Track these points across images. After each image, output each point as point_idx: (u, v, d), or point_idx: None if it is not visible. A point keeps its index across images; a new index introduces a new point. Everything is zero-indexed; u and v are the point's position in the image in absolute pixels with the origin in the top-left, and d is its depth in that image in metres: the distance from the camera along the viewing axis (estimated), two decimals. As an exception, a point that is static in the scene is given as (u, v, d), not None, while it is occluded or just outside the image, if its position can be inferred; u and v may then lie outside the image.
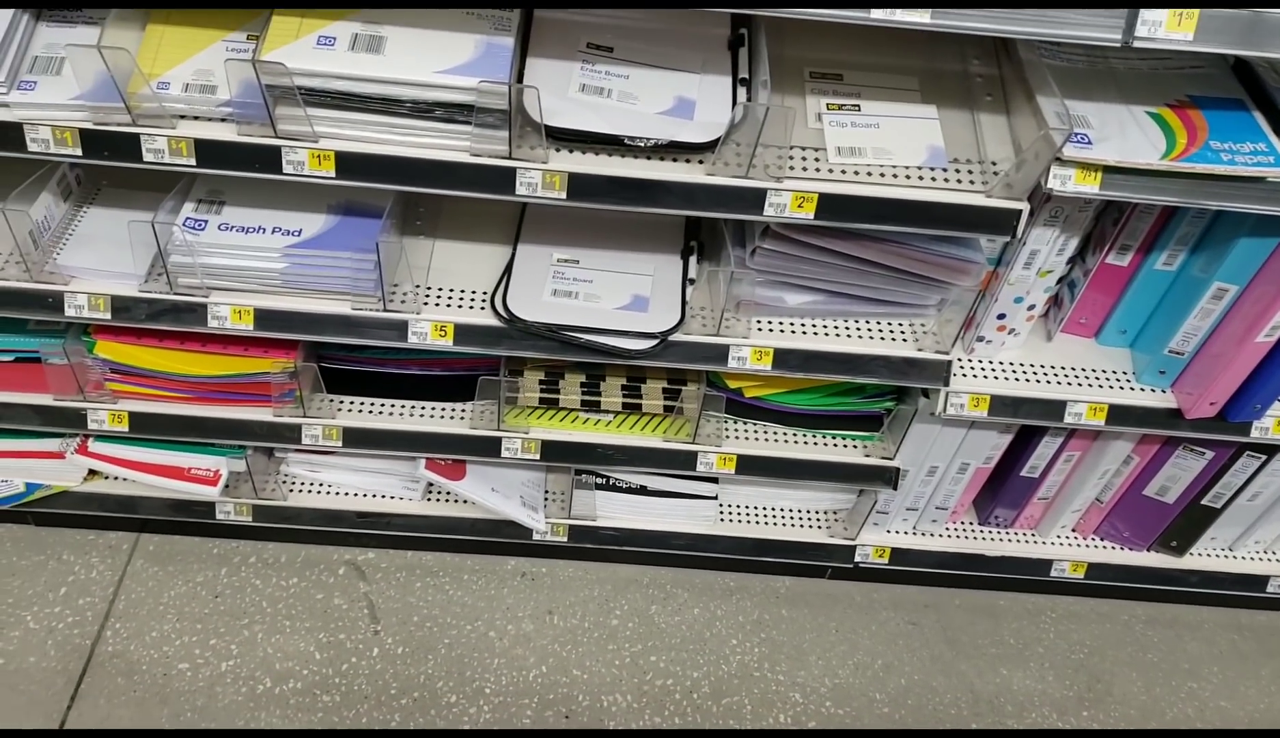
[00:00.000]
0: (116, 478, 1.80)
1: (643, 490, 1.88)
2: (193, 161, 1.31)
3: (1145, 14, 1.12)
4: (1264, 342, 1.46)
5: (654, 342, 1.50)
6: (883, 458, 1.74)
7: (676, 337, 1.51)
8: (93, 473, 1.82)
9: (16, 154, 1.31)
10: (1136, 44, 1.13)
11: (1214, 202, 1.30)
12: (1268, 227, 1.37)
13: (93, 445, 1.75)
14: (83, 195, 1.57)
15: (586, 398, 1.68)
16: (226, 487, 1.77)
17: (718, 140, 1.29)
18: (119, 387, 1.64)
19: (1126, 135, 1.28)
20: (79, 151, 1.31)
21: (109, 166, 1.33)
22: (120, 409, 1.65)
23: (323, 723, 1.74)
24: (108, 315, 1.49)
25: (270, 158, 1.31)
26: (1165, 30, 1.13)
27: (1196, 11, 1.12)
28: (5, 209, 1.39)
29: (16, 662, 1.76)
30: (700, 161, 1.32)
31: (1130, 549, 1.95)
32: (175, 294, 1.48)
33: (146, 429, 1.68)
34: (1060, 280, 1.57)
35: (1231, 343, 1.48)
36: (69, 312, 1.49)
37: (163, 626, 1.84)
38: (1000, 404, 1.60)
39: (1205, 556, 1.96)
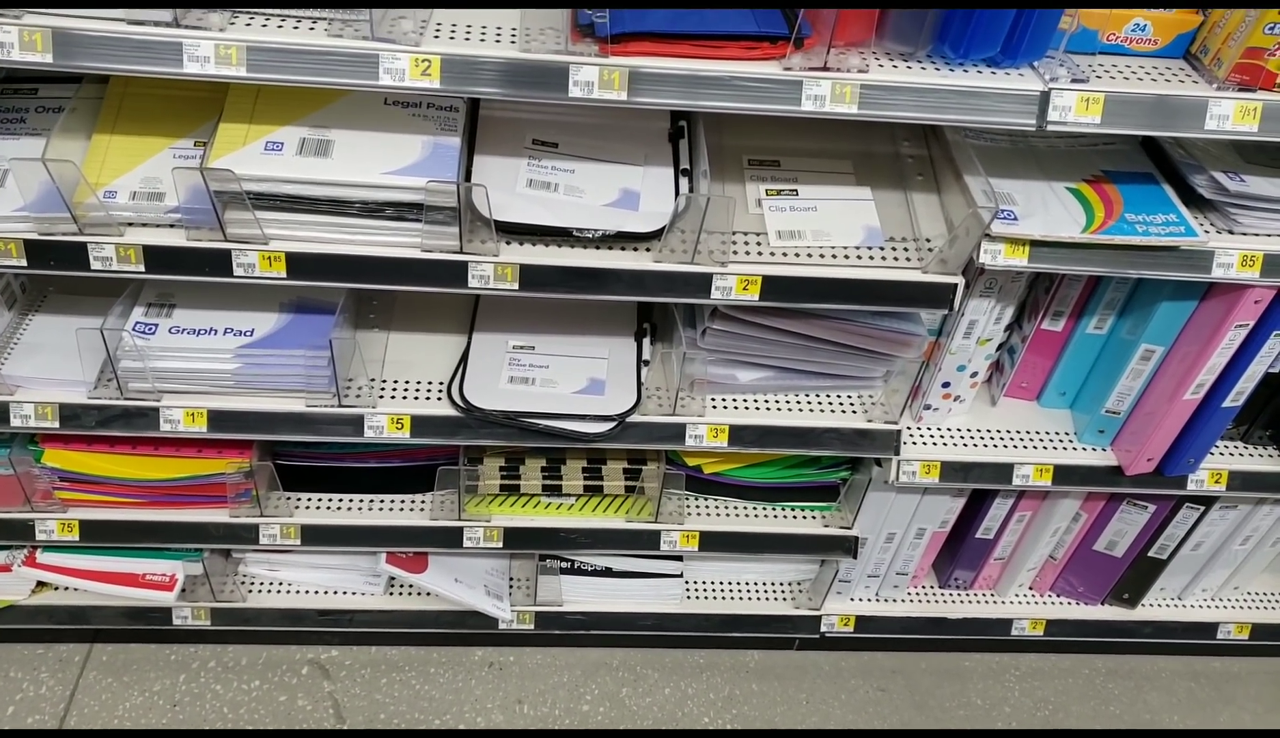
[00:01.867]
0: (66, 588, 1.75)
1: (608, 572, 1.87)
2: (142, 268, 1.32)
3: (1056, 99, 1.20)
4: (1191, 398, 1.52)
5: (612, 424, 1.52)
6: (841, 527, 1.76)
7: (634, 418, 1.53)
8: (41, 584, 1.77)
9: (-40, 267, 1.31)
10: (1050, 128, 1.21)
11: (1133, 270, 1.37)
12: (1185, 291, 1.45)
13: (41, 556, 1.70)
14: (27, 303, 1.56)
15: (548, 482, 1.68)
16: (183, 591, 1.73)
17: (663, 229, 1.34)
18: (68, 495, 1.61)
19: (1049, 210, 1.35)
20: (24, 262, 1.31)
21: (55, 275, 1.33)
22: (70, 518, 1.62)
23: (284, 834, 1.68)
24: (56, 424, 1.47)
25: (220, 261, 1.32)
26: (1075, 114, 1.21)
27: (1102, 96, 1.20)
28: (-50, 322, 1.38)
29: (-42, 789, 1.69)
30: (647, 249, 1.37)
31: (1085, 604, 1.98)
32: (126, 399, 1.47)
33: (98, 537, 1.64)
34: (1000, 347, 1.63)
35: (1162, 401, 1.54)
36: (15, 422, 1.47)
37: (115, 740, 1.77)
38: (951, 470, 1.64)
39: (1157, 606, 2.00)
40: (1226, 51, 1.21)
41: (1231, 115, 1.22)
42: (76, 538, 1.64)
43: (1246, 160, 1.42)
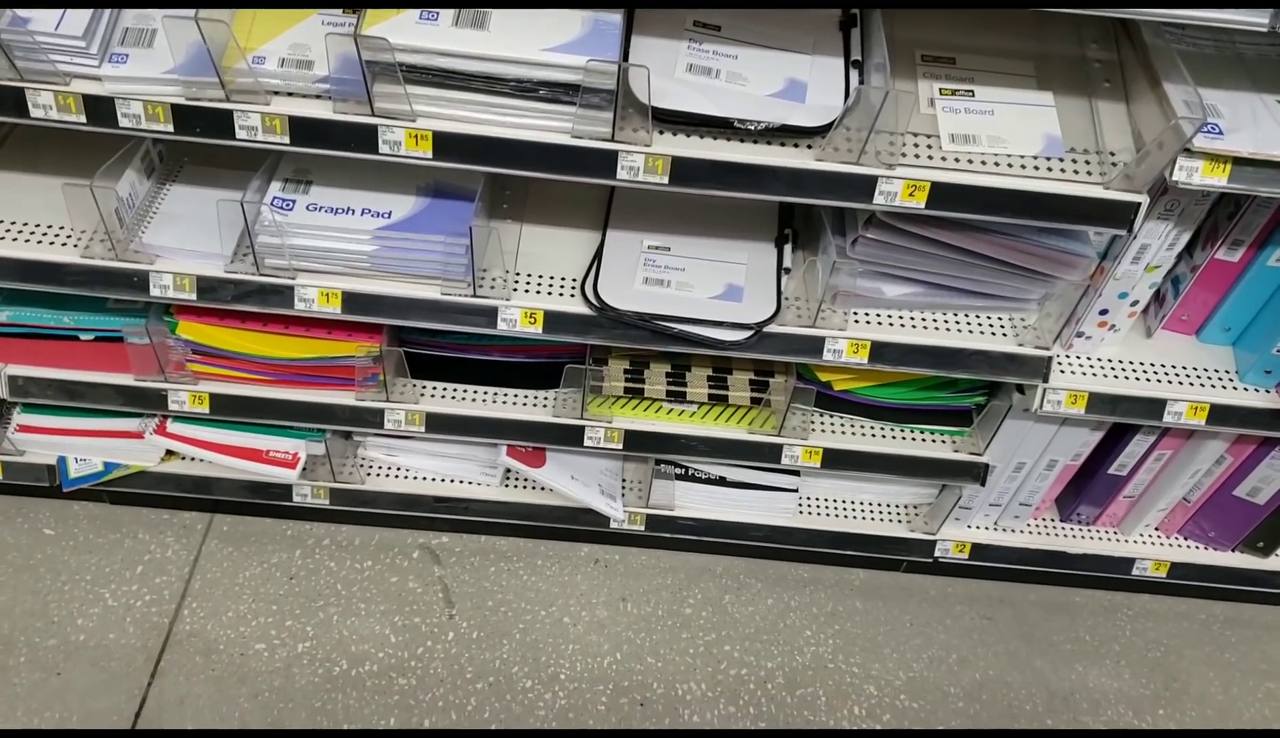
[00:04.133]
0: (193, 459, 1.79)
1: (722, 481, 1.85)
2: (286, 140, 1.28)
3: (1297, -2, 1.06)
4: (1385, 341, 1.40)
5: (749, 333, 1.46)
6: (971, 454, 1.70)
7: (772, 328, 1.47)
8: (170, 453, 1.81)
9: (107, 129, 1.28)
10: (1290, 30, 1.07)
11: (1350, 196, 1.24)
12: (1398, 223, 1.31)
13: (171, 426, 1.74)
14: (165, 172, 1.55)
15: (672, 388, 1.64)
16: (304, 469, 1.75)
17: (829, 125, 1.25)
18: (200, 368, 1.62)
19: (1260, 125, 1.22)
20: (170, 127, 1.28)
21: (196, 143, 1.30)
22: (201, 390, 1.64)
23: (399, 706, 1.74)
24: (193, 296, 1.47)
25: (367, 137, 1.28)
26: (1317, 17, 1.07)
27: (1352, -4, 1.06)
28: (93, 186, 1.37)
29: (97, 639, 1.77)
30: (809, 146, 1.28)
31: (1215, 549, 1.90)
32: (262, 275, 1.45)
33: (227, 411, 1.66)
34: (1166, 275, 1.51)
35: (1350, 343, 1.42)
36: (154, 291, 1.47)
37: (239, 606, 1.84)
38: (1099, 402, 1.55)
39: (1293, 557, 1.91)
40: None
41: None
42: (206, 410, 1.66)
43: None
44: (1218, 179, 1.24)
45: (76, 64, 1.23)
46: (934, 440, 1.71)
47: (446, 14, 1.22)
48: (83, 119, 1.26)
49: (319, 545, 1.94)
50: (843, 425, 1.72)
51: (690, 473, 1.84)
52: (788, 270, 1.52)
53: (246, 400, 1.65)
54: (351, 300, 1.47)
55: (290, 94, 1.27)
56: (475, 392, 1.70)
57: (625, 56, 1.25)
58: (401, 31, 1.20)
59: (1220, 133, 1.22)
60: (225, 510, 1.95)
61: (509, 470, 1.85)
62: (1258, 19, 1.08)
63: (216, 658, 1.77)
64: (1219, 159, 1.22)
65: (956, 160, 1.28)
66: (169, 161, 1.55)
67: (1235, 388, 1.57)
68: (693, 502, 1.86)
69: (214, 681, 1.74)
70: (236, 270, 1.46)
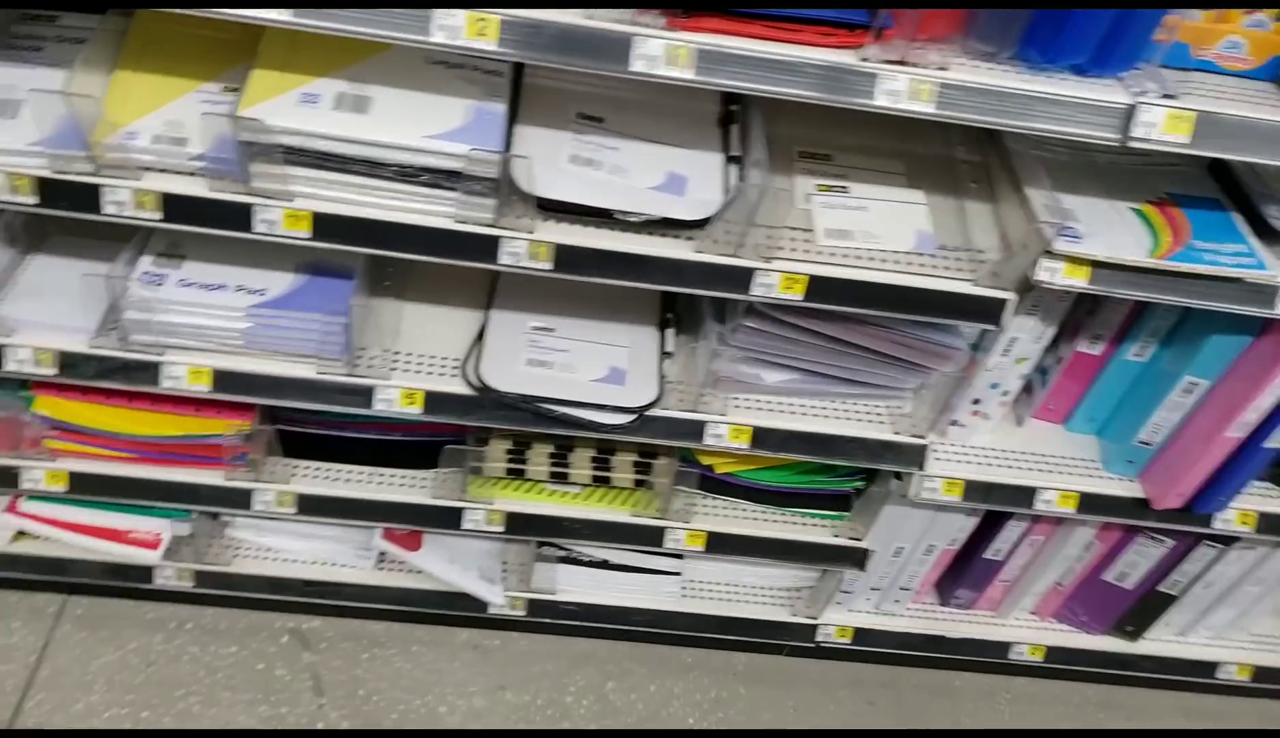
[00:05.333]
0: (48, 539, 1.68)
1: (605, 564, 1.82)
2: (159, 216, 1.24)
3: (1142, 114, 1.13)
4: (1234, 436, 1.48)
5: (632, 417, 1.46)
6: (851, 538, 1.72)
7: (654, 412, 1.48)
8: (20, 533, 1.69)
9: (-38, 199, 1.23)
10: (1133, 143, 1.15)
11: (1195, 300, 1.32)
12: (1240, 325, 1.40)
13: (24, 505, 1.63)
14: (28, 242, 1.48)
15: (555, 469, 1.63)
16: (168, 551, 1.66)
17: (709, 218, 1.28)
18: (58, 444, 1.53)
19: (1113, 231, 1.30)
20: (35, 199, 1.23)
21: (61, 216, 1.25)
22: (59, 468, 1.55)
23: (259, 808, 1.63)
24: (54, 371, 1.40)
25: (242, 216, 1.25)
26: (1161, 132, 1.15)
27: (1194, 114, 1.14)
28: (-55, 255, 1.30)
29: (-78, 739, 1.62)
30: (689, 238, 1.30)
31: (1088, 633, 1.96)
32: (128, 351, 1.39)
33: (86, 490, 1.57)
34: (1034, 367, 1.58)
35: (1201, 437, 1.50)
36: (9, 366, 1.39)
37: (89, 696, 1.71)
38: (973, 490, 1.59)
39: (1158, 641, 1.97)
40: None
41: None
42: (64, 489, 1.57)
43: (1321, 195, 1.37)
44: (1079, 280, 1.30)
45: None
46: (815, 525, 1.73)
47: (328, 96, 1.22)
48: (-66, 185, 1.20)
49: (181, 629, 1.83)
50: (725, 508, 1.72)
51: (573, 556, 1.81)
52: (670, 354, 1.54)
53: (108, 479, 1.56)
54: (222, 378, 1.41)
55: (163, 170, 1.24)
56: (350, 471, 1.65)
57: (508, 145, 1.26)
58: (281, 113, 1.19)
59: (1078, 237, 1.29)
60: (81, 592, 1.83)
61: (384, 553, 1.79)
62: (1109, 134, 1.16)
63: (60, 756, 1.64)
64: (1080, 262, 1.29)
65: (833, 254, 1.32)
66: (32, 231, 1.48)
67: (1101, 476, 1.63)
68: (575, 585, 1.82)
69: (56, 782, 1.61)
70: (101, 346, 1.39)
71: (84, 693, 1.71)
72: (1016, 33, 1.13)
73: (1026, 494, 1.61)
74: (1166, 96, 1.13)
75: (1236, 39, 1.19)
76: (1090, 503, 1.62)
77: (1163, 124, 1.13)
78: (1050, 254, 1.28)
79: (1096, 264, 1.28)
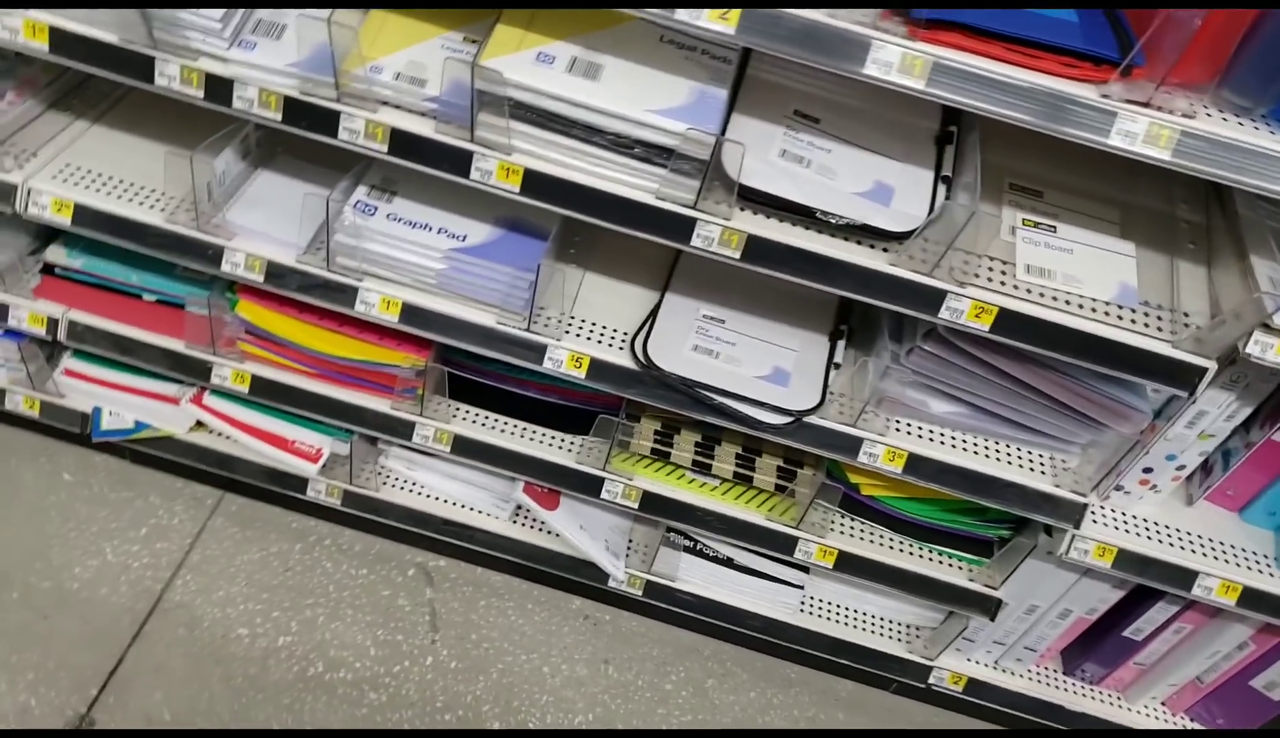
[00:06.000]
0: (220, 435, 1.81)
1: (730, 563, 1.83)
2: (385, 148, 1.32)
3: (1396, 196, 1.07)
4: None
5: (790, 419, 1.46)
6: (986, 586, 1.67)
7: (812, 419, 1.47)
8: (199, 425, 1.83)
9: (221, 108, 1.33)
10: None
11: None
12: None
13: (208, 399, 1.76)
14: (259, 157, 1.59)
15: (699, 458, 1.64)
16: (325, 466, 1.76)
17: (909, 232, 1.26)
18: (249, 348, 1.65)
19: (1339, 317, 1.22)
20: (279, 117, 1.33)
21: (297, 135, 1.34)
22: (245, 369, 1.66)
23: (365, 721, 1.71)
24: (260, 278, 1.50)
25: (461, 160, 1.31)
26: None
27: None
28: (193, 157, 1.41)
29: (90, 591, 1.77)
30: (885, 250, 1.29)
31: (1221, 737, 1.84)
32: (330, 272, 1.48)
33: (264, 394, 1.68)
34: (1218, 446, 1.49)
35: (1394, 551, 1.39)
36: (225, 267, 1.50)
37: (231, 587, 1.83)
38: (1127, 560, 1.52)
39: (1299, 761, 1.83)
40: None
41: None
42: (246, 390, 1.68)
43: None
44: (1288, 360, 1.23)
45: (208, 43, 1.29)
46: (951, 564, 1.68)
47: (563, 59, 1.26)
48: (200, 94, 1.31)
49: (320, 544, 1.93)
50: (862, 531, 1.70)
51: (699, 548, 1.82)
52: (837, 365, 1.53)
53: (285, 388, 1.67)
54: (410, 312, 1.49)
55: (398, 107, 1.31)
56: (506, 423, 1.71)
57: (724, 130, 1.28)
58: (517, 69, 1.24)
59: (1298, 314, 1.21)
60: (237, 491, 1.96)
61: (521, 507, 1.84)
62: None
63: (199, 634, 1.75)
64: (1293, 340, 1.22)
65: (1029, 291, 1.29)
66: (265, 147, 1.60)
67: (1273, 574, 1.53)
68: (696, 577, 1.83)
69: (192, 656, 1.72)
70: (307, 262, 1.49)
71: (226, 583, 1.84)
72: (1275, 91, 1.08)
73: (1186, 576, 1.52)
74: None
75: None
76: (1254, 599, 1.52)
77: None
78: (1267, 327, 1.21)
79: (1317, 347, 1.20)
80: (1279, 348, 1.22)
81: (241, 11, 1.30)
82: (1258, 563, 1.54)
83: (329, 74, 1.27)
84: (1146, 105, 1.07)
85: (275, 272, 1.50)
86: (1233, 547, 1.55)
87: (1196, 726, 1.85)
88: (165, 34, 1.28)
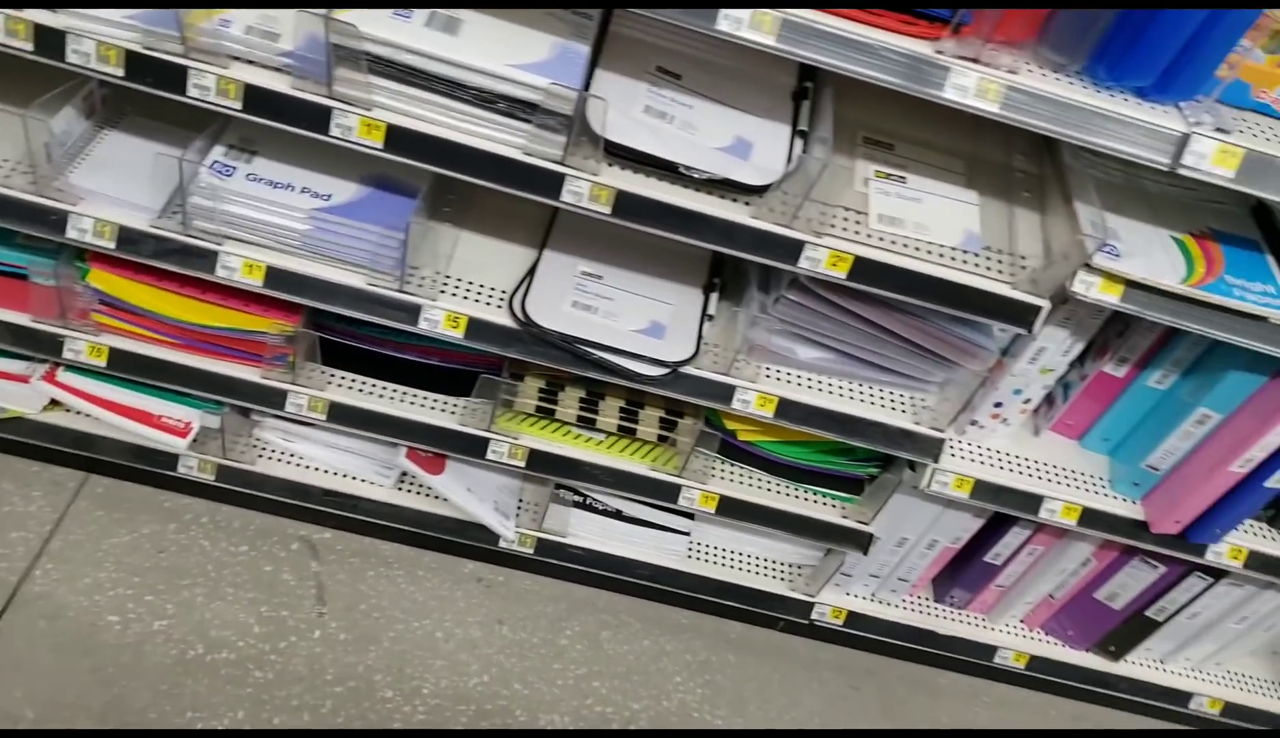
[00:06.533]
0: (79, 413, 1.72)
1: (618, 515, 1.87)
2: (239, 106, 1.28)
3: (1195, 144, 1.18)
4: (1237, 471, 1.52)
5: (666, 370, 1.50)
6: (858, 522, 1.76)
7: (687, 369, 1.51)
8: (53, 403, 1.73)
9: (53, 62, 1.26)
10: (1182, 170, 1.19)
11: (1219, 332, 1.36)
12: (1259, 364, 1.44)
13: (61, 375, 1.67)
14: (105, 117, 1.51)
15: (583, 414, 1.67)
16: (195, 441, 1.70)
17: (768, 186, 1.31)
18: (105, 319, 1.57)
19: (1152, 254, 1.34)
20: (121, 72, 1.26)
21: (144, 93, 1.28)
22: (101, 343, 1.59)
23: (250, 699, 1.68)
24: (112, 245, 1.43)
25: (320, 117, 1.28)
26: (1210, 163, 1.19)
27: (1242, 151, 1.18)
28: (26, 116, 1.33)
29: (-65, 588, 1.67)
30: (747, 203, 1.34)
31: (1071, 647, 2.00)
32: (188, 235, 1.43)
33: (125, 368, 1.61)
34: (1058, 380, 1.62)
35: (1206, 468, 1.54)
36: (70, 233, 1.42)
37: (98, 573, 1.76)
38: (983, 489, 1.63)
39: (1138, 664, 2.02)
40: (1372, 135, 1.20)
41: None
42: (103, 364, 1.61)
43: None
44: (1111, 297, 1.34)
45: (34, -10, 1.21)
46: (825, 503, 1.77)
47: (420, 13, 1.25)
48: (30, 47, 1.24)
49: (196, 522, 1.87)
50: (741, 476, 1.77)
51: (588, 502, 1.86)
52: (711, 317, 1.57)
53: (147, 361, 1.60)
54: (275, 276, 1.45)
55: (250, 61, 1.27)
56: (384, 388, 1.69)
57: (587, 86, 1.30)
58: (374, 22, 1.22)
59: (1118, 255, 1.33)
60: (102, 471, 1.87)
61: (405, 474, 1.83)
62: (1161, 158, 1.19)
63: (63, 625, 1.68)
64: (1115, 279, 1.33)
65: (881, 239, 1.36)
66: (111, 107, 1.52)
67: (1106, 495, 1.67)
68: (586, 531, 1.87)
69: (55, 648, 1.65)
70: (162, 227, 1.43)
71: (93, 569, 1.76)
72: (1089, 46, 1.17)
73: (1033, 501, 1.65)
74: (1220, 130, 1.17)
75: (1304, 82, 1.22)
76: (1092, 518, 1.66)
77: (1212, 156, 1.17)
78: (1089, 267, 1.31)
79: (1130, 283, 1.32)
80: (1101, 285, 1.33)
81: (74, -41, 1.23)
82: (1095, 486, 1.68)
83: (174, 27, 1.22)
84: (976, 61, 1.14)
85: (128, 237, 1.43)
86: (1074, 472, 1.69)
87: (1051, 640, 2.01)
88: (-14, -18, 1.20)
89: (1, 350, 1.64)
